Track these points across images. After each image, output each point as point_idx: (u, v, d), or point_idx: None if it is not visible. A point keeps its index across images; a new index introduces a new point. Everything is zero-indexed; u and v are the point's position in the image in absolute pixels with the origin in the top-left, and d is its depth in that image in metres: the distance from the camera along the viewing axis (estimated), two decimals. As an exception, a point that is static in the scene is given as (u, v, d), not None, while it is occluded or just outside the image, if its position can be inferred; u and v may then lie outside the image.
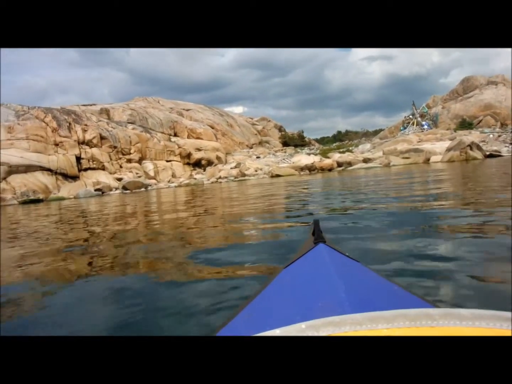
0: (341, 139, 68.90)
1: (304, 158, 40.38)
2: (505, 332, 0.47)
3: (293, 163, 39.24)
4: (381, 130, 64.82)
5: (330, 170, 34.79)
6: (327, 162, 36.82)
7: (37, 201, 31.21)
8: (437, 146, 33.71)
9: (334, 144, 58.98)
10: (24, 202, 30.64)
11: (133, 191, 33.43)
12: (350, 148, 49.23)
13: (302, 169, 35.42)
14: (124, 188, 34.55)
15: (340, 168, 34.60)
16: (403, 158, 33.08)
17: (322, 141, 73.84)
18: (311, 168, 35.32)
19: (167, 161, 44.30)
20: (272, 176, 33.43)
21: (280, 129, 66.31)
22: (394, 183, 11.88)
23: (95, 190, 34.02)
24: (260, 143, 58.25)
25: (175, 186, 35.27)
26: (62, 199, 31.92)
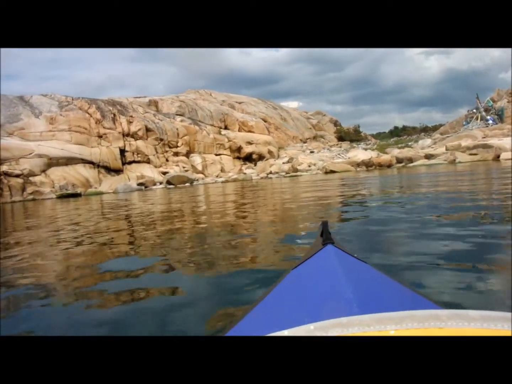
0: (398, 134, 63.67)
1: (360, 153, 36.93)
2: None
3: (349, 158, 35.84)
4: (441, 125, 59.50)
5: (389, 166, 31.15)
6: (385, 157, 33.22)
7: (74, 195, 28.73)
8: (507, 142, 29.26)
9: (392, 139, 54.20)
10: (61, 196, 28.26)
11: (178, 186, 30.54)
12: (409, 143, 44.61)
13: (358, 165, 32.13)
14: (168, 182, 31.58)
15: (400, 165, 30.88)
16: (470, 154, 29.00)
17: (378, 136, 68.86)
18: (368, 164, 31.95)
19: (216, 154, 40.92)
20: (326, 172, 30.25)
21: (336, 123, 61.95)
22: None
23: (138, 184, 31.23)
24: (315, 138, 54.07)
25: (222, 182, 32.15)
26: (100, 193, 29.38)
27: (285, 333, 0.52)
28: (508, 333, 0.45)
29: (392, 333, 0.48)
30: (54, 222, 9.59)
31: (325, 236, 1.27)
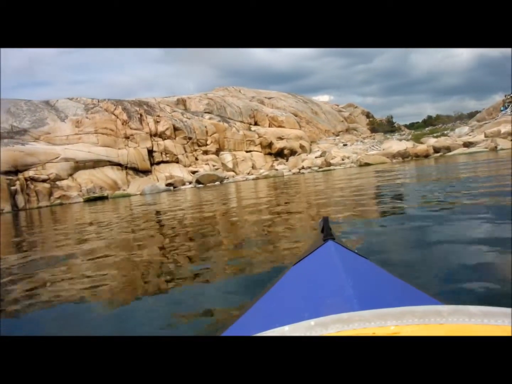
0: (433, 123, 60.81)
1: (395, 144, 35.28)
2: None
3: (383, 150, 34.38)
4: (477, 112, 56.58)
5: (426, 156, 29.57)
6: (422, 148, 31.58)
7: (101, 198, 27.78)
8: (551, 125, 27.45)
9: (427, 129, 51.65)
10: (88, 200, 27.22)
11: (207, 185, 29.23)
12: (445, 132, 42.21)
13: (394, 156, 30.44)
14: (198, 182, 30.23)
15: (438, 154, 29.33)
16: (512, 140, 27.30)
17: (411, 126, 66.16)
18: (404, 155, 30.28)
19: (247, 151, 39.18)
20: (360, 165, 28.79)
21: (368, 115, 59.66)
22: None
23: (166, 185, 29.94)
24: (347, 130, 52.07)
25: (253, 179, 30.70)
26: (128, 195, 28.17)
27: (285, 329, 0.51)
28: (508, 329, 0.45)
29: (392, 329, 0.47)
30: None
31: (326, 232, 1.26)
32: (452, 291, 2.16)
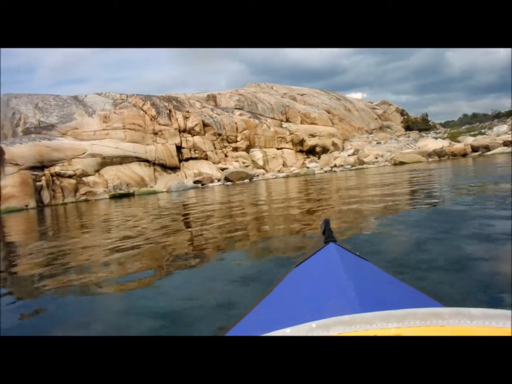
0: (469, 122, 58.08)
1: (431, 142, 33.39)
2: None
3: (418, 148, 32.59)
4: (515, 110, 53.68)
5: (463, 155, 27.95)
6: (458, 146, 29.86)
7: (127, 195, 26.59)
8: None
9: (464, 127, 49.23)
10: (113, 197, 26.15)
11: (236, 182, 27.88)
12: (483, 130, 39.91)
13: (429, 155, 28.95)
14: (226, 179, 28.86)
15: (476, 153, 27.45)
16: (556, 138, 25.77)
17: (447, 125, 63.47)
18: (440, 154, 28.74)
19: (278, 148, 37.42)
20: (395, 164, 27.27)
21: (402, 112, 57.25)
22: None
23: (194, 182, 28.66)
24: (381, 128, 49.82)
25: (283, 177, 29.21)
26: (154, 192, 26.95)
27: (287, 331, 0.51)
28: (508, 331, 0.44)
29: (394, 331, 0.47)
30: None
31: (327, 234, 1.25)
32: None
